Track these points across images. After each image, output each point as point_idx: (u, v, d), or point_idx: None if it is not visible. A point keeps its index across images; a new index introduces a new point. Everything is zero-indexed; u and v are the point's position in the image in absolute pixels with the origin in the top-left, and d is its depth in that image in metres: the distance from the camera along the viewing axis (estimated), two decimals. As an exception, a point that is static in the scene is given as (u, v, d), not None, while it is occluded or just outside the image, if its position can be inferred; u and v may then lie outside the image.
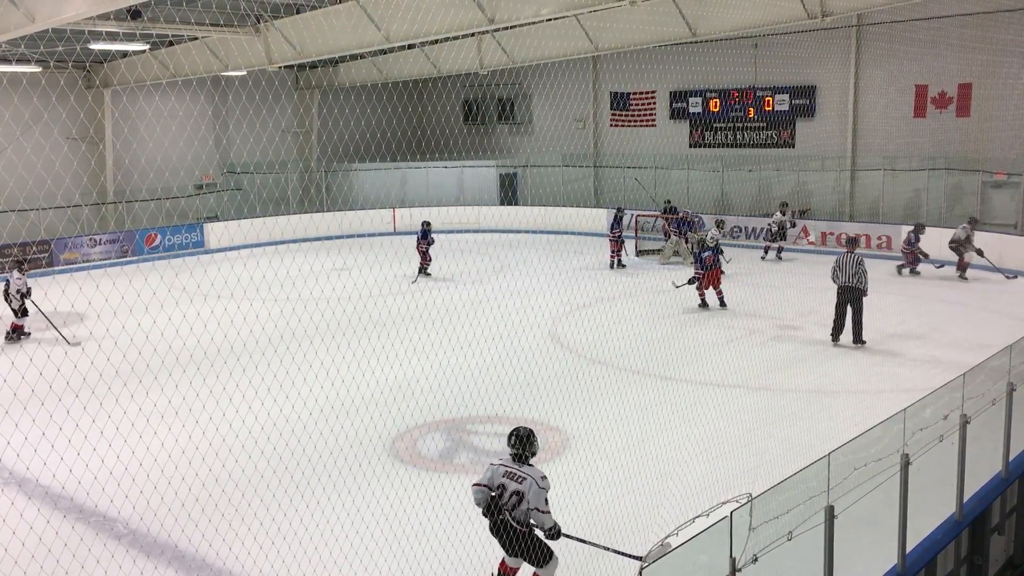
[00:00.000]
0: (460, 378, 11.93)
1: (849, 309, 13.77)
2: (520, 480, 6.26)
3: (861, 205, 24.84)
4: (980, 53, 21.89)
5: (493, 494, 6.34)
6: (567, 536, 6.44)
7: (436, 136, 33.54)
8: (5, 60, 21.05)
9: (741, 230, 25.03)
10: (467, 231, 27.65)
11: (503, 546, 6.46)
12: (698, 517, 4.89)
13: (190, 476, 8.69)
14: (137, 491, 8.24)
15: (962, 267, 19.06)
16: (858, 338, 13.72)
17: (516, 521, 6.25)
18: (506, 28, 20.93)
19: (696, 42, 20.18)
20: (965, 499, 7.19)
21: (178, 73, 22.56)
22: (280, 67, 21.97)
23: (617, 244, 21.46)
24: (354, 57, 26.49)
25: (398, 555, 7.45)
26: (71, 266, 22.90)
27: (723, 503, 4.92)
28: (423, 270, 20.71)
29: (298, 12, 19.12)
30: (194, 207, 27.69)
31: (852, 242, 14.23)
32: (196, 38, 20.81)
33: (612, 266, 21.42)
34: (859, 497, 5.70)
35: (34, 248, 22.65)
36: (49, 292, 16.27)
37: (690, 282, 16.73)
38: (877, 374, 12.44)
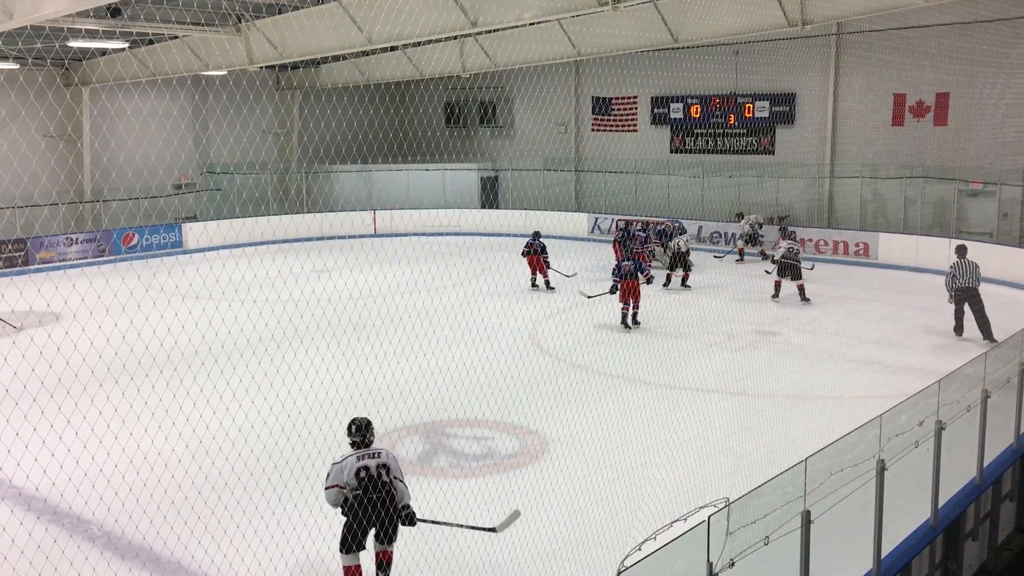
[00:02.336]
0: (439, 381, 11.91)
1: (968, 309, 14.63)
2: (376, 455, 6.79)
3: (840, 212, 25.04)
4: (957, 63, 22.15)
5: (357, 484, 6.67)
6: (422, 520, 6.95)
7: (418, 139, 33.49)
8: (-18, 57, 20.85)
9: (720, 235, 25.15)
10: (448, 234, 27.60)
11: (381, 529, 6.76)
12: (676, 521, 4.91)
13: (166, 478, 8.62)
14: (112, 493, 8.16)
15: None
16: (989, 335, 14.32)
17: (386, 489, 6.70)
18: (489, 31, 20.92)
19: (678, 48, 20.28)
20: (940, 505, 7.25)
21: (158, 72, 22.41)
22: (261, 67, 21.84)
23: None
24: (336, 58, 26.39)
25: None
26: (47, 265, 22.67)
27: (701, 507, 4.94)
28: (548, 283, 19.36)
29: (280, 12, 19.04)
30: (172, 207, 27.48)
31: (963, 249, 15.39)
32: (176, 37, 20.68)
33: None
34: (835, 502, 5.74)
35: (10, 246, 22.41)
36: (25, 291, 16.10)
37: (611, 291, 15.92)
38: (854, 380, 12.53)
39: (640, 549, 4.59)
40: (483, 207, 30.15)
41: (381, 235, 28.07)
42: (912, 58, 22.92)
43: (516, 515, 7.19)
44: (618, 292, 15.68)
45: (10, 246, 22.46)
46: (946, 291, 14.96)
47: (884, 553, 6.43)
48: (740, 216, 24.03)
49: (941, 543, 7.45)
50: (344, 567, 6.84)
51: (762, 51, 24.85)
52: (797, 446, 8.40)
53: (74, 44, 19.70)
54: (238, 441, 9.56)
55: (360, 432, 6.87)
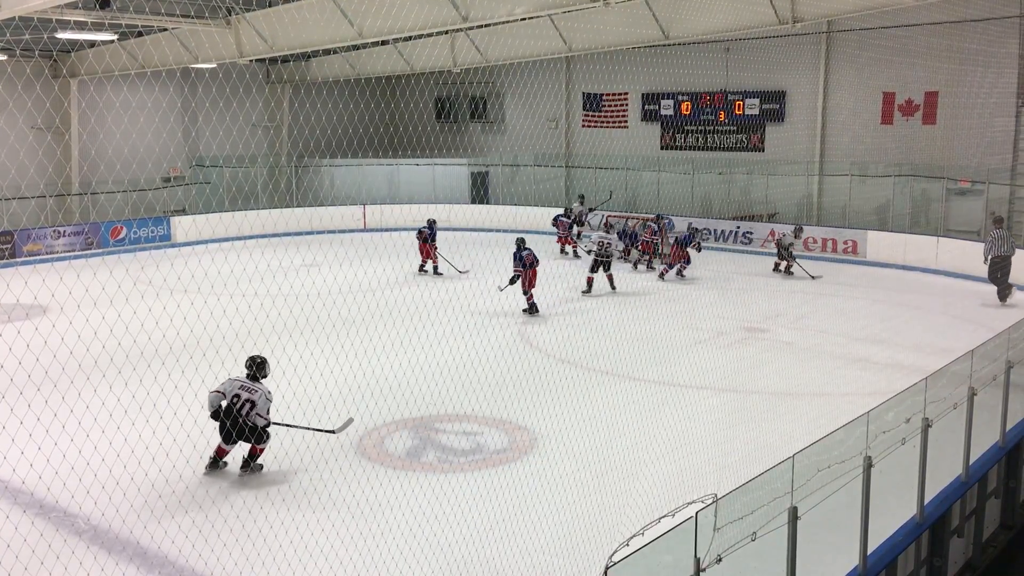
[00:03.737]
0: (429, 376, 11.90)
1: (999, 274, 16.84)
2: (253, 392, 8.68)
3: (828, 210, 25.13)
4: (947, 62, 22.23)
5: (226, 401, 8.69)
6: (275, 423, 9.02)
7: (408, 133, 33.42)
8: (-31, 47, 20.69)
9: (710, 232, 25.19)
10: (438, 229, 27.54)
11: (226, 437, 8.76)
12: (663, 517, 4.92)
13: (153, 472, 8.59)
14: (99, 487, 8.13)
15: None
16: (1004, 297, 16.89)
17: (249, 421, 8.64)
18: (480, 27, 20.90)
19: (669, 45, 20.27)
20: (926, 501, 7.29)
21: (147, 64, 22.29)
22: (251, 60, 21.76)
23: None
24: (326, 52, 26.32)
25: (363, 553, 7.41)
26: (34, 258, 22.54)
27: (688, 503, 4.95)
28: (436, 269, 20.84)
29: (270, 5, 18.96)
30: (161, 200, 27.36)
31: (999, 220, 17.71)
32: (165, 29, 20.56)
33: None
34: (822, 499, 5.76)
35: (-4, 239, 22.28)
36: (12, 284, 15.99)
37: (511, 282, 16.31)
38: (841, 377, 12.58)
39: (628, 544, 4.60)
40: (473, 202, 30.12)
41: (371, 230, 28.00)
42: (902, 57, 22.99)
43: (350, 421, 9.18)
44: (518, 281, 16.28)
45: (-3, 238, 22.33)
46: (984, 258, 17.05)
47: (870, 550, 6.46)
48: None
49: (927, 540, 7.49)
50: (218, 446, 9.01)
51: (753, 49, 24.88)
52: (785, 443, 8.44)
53: (62, 35, 19.56)
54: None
55: (251, 367, 8.87)
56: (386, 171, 31.02)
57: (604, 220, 22.86)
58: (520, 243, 16.66)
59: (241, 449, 9.13)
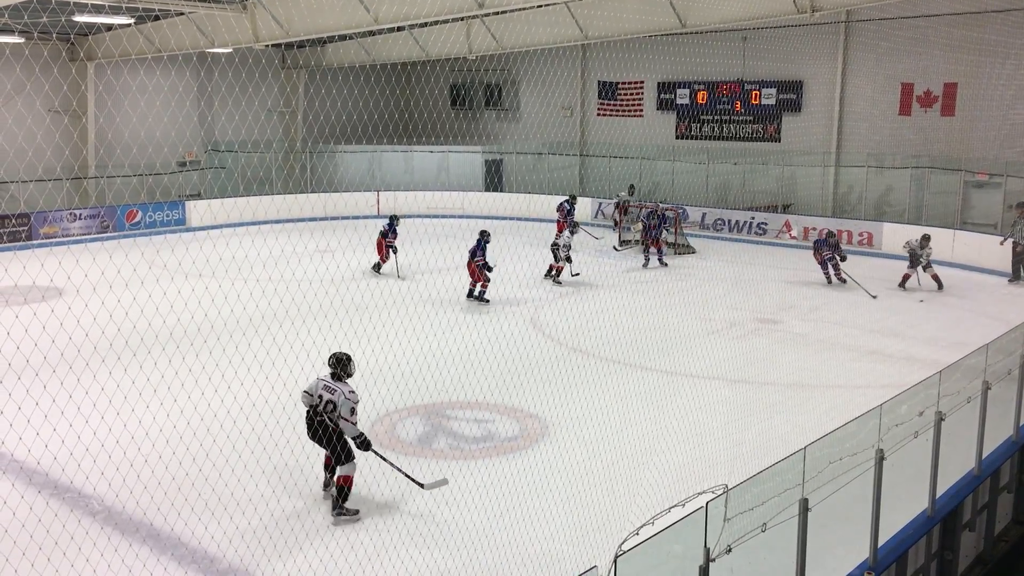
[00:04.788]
0: (440, 363, 11.93)
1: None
2: (333, 392, 7.94)
3: (844, 201, 24.98)
4: (967, 53, 22.00)
5: (314, 402, 8.00)
6: (373, 451, 8.07)
7: (423, 120, 33.39)
8: (-12, 30, 20.78)
9: (724, 223, 25.12)
10: (451, 216, 27.56)
11: (323, 447, 8.09)
12: (674, 507, 4.92)
13: (167, 454, 8.65)
14: (113, 468, 8.20)
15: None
16: (1017, 279, 18.15)
17: (332, 422, 7.92)
18: (496, 13, 20.85)
19: (685, 33, 20.16)
20: (938, 495, 7.27)
21: (163, 48, 22.32)
22: (267, 45, 21.77)
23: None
24: (342, 38, 26.29)
25: (373, 537, 7.47)
26: (50, 240, 22.68)
27: (699, 493, 4.95)
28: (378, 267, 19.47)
29: (286, -10, 18.96)
30: (176, 184, 27.46)
31: (1022, 205, 18.30)
32: (182, 13, 20.58)
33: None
34: (833, 491, 5.76)
35: (13, 221, 22.42)
36: (28, 266, 16.14)
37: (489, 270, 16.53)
38: (854, 369, 12.54)
39: (638, 534, 4.61)
40: (487, 190, 30.09)
41: (385, 216, 27.99)
42: (921, 47, 22.80)
43: (444, 482, 8.22)
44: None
45: (14, 220, 22.47)
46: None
47: (881, 542, 6.46)
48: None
49: (938, 533, 7.47)
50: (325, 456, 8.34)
51: (770, 38, 24.71)
52: (796, 434, 8.43)
53: (80, 18, 19.62)
54: (239, 418, 9.59)
55: (336, 365, 8.10)
56: (400, 158, 31.02)
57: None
58: (483, 235, 16.78)
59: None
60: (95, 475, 8.11)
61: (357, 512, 7.88)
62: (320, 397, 7.96)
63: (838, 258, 18.17)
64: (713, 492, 4.87)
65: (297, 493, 8.16)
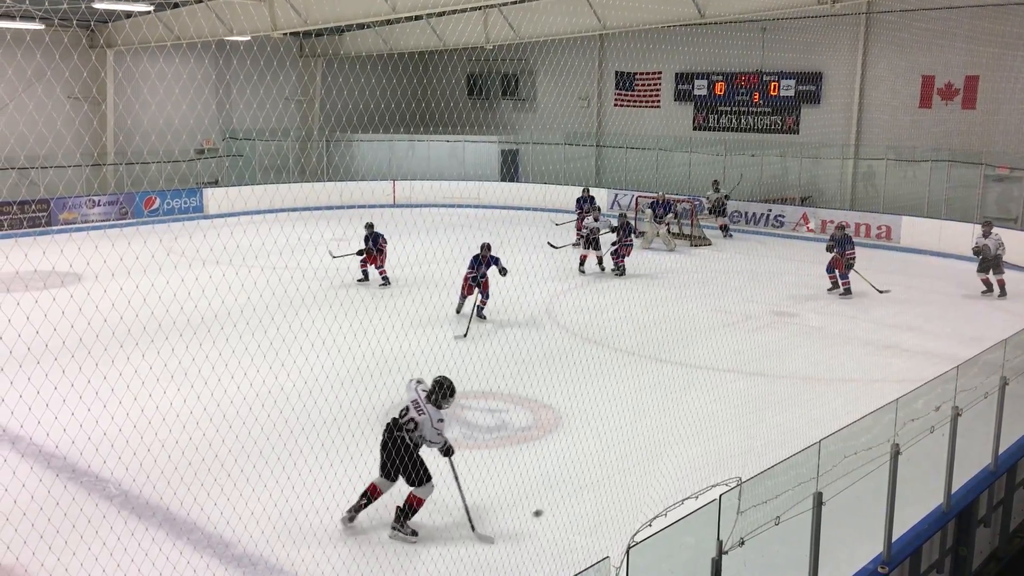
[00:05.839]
0: (455, 352, 11.95)
1: None
2: (420, 412, 7.42)
3: (863, 194, 24.82)
4: (989, 45, 21.78)
5: (396, 417, 7.49)
6: (451, 464, 7.51)
7: (439, 110, 33.37)
8: (9, 16, 20.87)
9: (741, 215, 25.01)
10: (467, 206, 27.59)
11: (384, 465, 7.44)
12: (687, 499, 4.92)
13: (183, 439, 8.72)
14: (130, 453, 8.27)
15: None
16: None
17: (411, 441, 7.36)
18: (513, 3, 20.78)
19: (704, 24, 20.03)
20: (953, 491, 7.25)
21: (182, 36, 22.40)
22: (285, 34, 21.78)
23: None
24: (360, 26, 26.29)
25: (387, 526, 7.49)
26: (69, 226, 22.83)
27: (713, 486, 4.95)
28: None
29: (305, -21, 18.97)
30: (194, 172, 27.58)
31: None
32: (201, 1, 20.65)
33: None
34: (848, 485, 5.74)
35: (33, 207, 22.58)
36: (48, 251, 16.25)
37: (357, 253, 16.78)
38: (871, 363, 12.48)
39: (651, 525, 4.62)
40: (503, 180, 30.07)
41: (400, 205, 28.08)
42: (942, 39, 22.56)
43: (490, 540, 7.39)
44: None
45: (34, 206, 22.64)
46: None
47: (895, 537, 6.44)
48: (716, 183, 24.20)
49: (953, 529, 7.45)
50: (371, 483, 7.60)
51: (790, 29, 24.52)
52: (811, 428, 8.41)
53: (100, 6, 19.69)
54: (255, 405, 9.66)
55: (434, 389, 7.54)
56: (416, 147, 31.02)
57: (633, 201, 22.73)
58: (369, 227, 16.95)
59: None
60: (112, 459, 8.19)
61: (416, 534, 7.38)
62: (406, 410, 7.48)
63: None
64: (727, 484, 4.87)
65: (311, 480, 8.20)
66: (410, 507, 7.37)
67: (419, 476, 7.36)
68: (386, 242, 17.25)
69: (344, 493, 7.76)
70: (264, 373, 10.10)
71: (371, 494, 7.50)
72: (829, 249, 16.95)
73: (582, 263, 18.80)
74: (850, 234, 17.45)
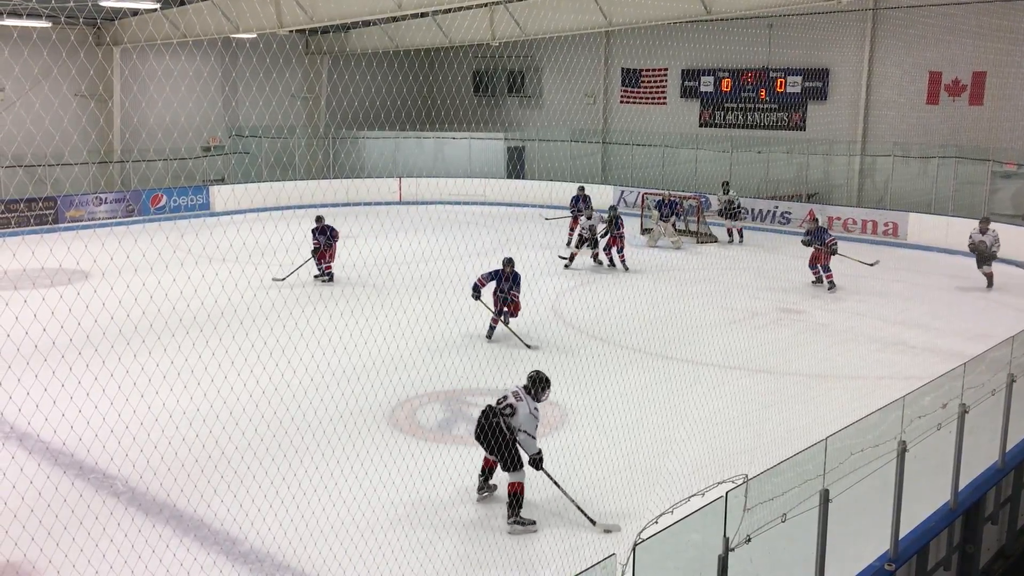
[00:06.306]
0: (461, 349, 11.95)
1: None
2: (519, 399, 7.74)
3: (869, 191, 24.74)
4: (996, 41, 21.69)
5: (493, 404, 7.80)
6: (546, 473, 7.68)
7: (445, 107, 33.36)
8: (16, 14, 20.93)
9: (747, 212, 24.94)
10: (473, 203, 27.59)
11: (487, 448, 7.79)
12: (694, 496, 4.92)
13: (190, 437, 8.74)
14: (137, 450, 8.30)
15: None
16: None
17: (507, 427, 7.63)
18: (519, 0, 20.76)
19: (710, 20, 19.98)
20: (960, 488, 7.22)
21: (188, 33, 22.42)
22: (291, 31, 21.80)
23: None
24: (365, 23, 26.29)
25: (395, 523, 7.51)
26: (76, 224, 22.90)
27: (719, 483, 4.94)
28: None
29: (311, -24, 18.97)
30: (201, 169, 27.62)
31: None
32: (207, -1, 20.68)
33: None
34: (854, 482, 5.73)
35: (40, 204, 22.64)
36: (54, 249, 16.26)
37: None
38: (877, 360, 12.45)
39: (657, 522, 4.61)
40: (509, 177, 30.05)
41: (407, 202, 28.09)
42: (950, 35, 22.48)
43: (616, 528, 7.55)
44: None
45: (41, 204, 22.71)
46: None
47: (902, 534, 6.42)
48: (726, 184, 23.47)
49: (960, 526, 7.43)
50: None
51: (796, 25, 24.46)
52: (818, 425, 8.38)
53: (106, 3, 19.73)
54: (261, 402, 9.67)
55: (531, 383, 7.93)
56: (423, 144, 31.03)
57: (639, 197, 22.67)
58: (319, 220, 17.01)
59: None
60: (119, 456, 8.21)
61: (534, 522, 7.58)
62: (505, 397, 7.81)
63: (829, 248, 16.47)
64: (733, 482, 4.86)
65: (319, 477, 8.21)
66: (515, 496, 7.60)
67: (513, 461, 7.62)
68: (337, 237, 17.00)
69: (351, 490, 7.78)
70: (271, 370, 10.10)
71: (486, 468, 8.07)
72: (806, 244, 16.92)
73: (595, 258, 18.89)
74: (823, 223, 17.47)
